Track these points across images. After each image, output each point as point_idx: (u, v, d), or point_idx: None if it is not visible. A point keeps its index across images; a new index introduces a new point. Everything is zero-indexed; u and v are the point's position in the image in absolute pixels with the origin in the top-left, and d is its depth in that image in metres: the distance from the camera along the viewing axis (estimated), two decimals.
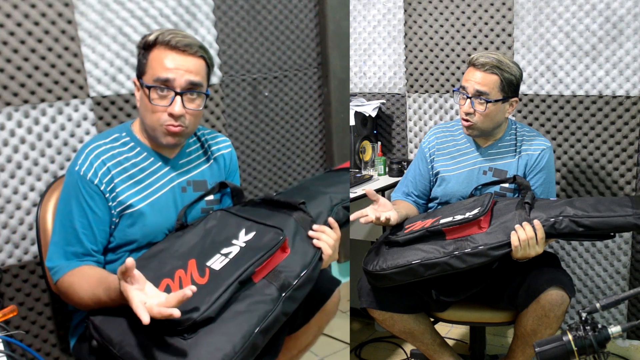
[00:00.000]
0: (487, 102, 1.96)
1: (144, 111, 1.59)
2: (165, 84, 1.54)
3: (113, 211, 1.59)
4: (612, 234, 1.77)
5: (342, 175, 1.91)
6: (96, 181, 1.56)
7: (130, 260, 1.27)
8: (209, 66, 1.62)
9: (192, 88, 1.56)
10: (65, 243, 1.56)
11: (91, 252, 1.57)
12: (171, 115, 1.55)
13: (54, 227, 1.61)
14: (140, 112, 1.63)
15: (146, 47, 1.57)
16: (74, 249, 1.56)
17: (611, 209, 1.73)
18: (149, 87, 1.55)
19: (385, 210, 1.89)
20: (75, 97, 1.97)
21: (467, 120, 2.02)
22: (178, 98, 1.55)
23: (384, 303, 1.94)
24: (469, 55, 2.61)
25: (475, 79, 1.97)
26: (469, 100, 1.99)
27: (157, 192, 1.65)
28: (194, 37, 1.62)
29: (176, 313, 1.23)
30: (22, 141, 1.88)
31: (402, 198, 2.22)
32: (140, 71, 1.59)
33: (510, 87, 1.98)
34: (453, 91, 2.09)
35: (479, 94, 1.97)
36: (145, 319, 1.22)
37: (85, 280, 1.50)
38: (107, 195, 1.58)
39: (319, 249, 1.56)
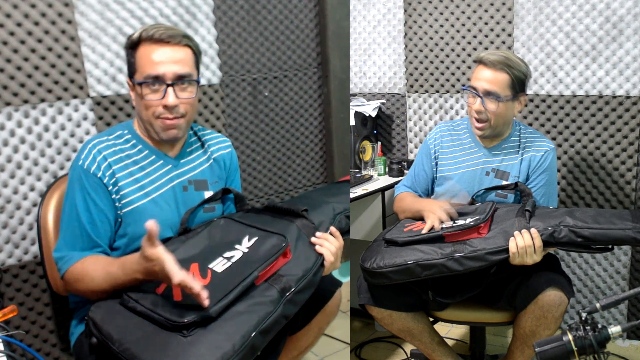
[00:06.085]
0: (499, 100, 1.96)
1: (140, 109, 1.63)
2: (156, 79, 1.57)
3: (117, 204, 1.60)
4: (610, 246, 1.77)
5: (344, 187, 1.94)
6: (99, 174, 1.58)
7: (151, 222, 1.32)
8: (196, 54, 1.65)
9: (181, 79, 1.59)
10: (73, 236, 1.57)
11: (99, 244, 1.58)
12: (165, 107, 1.59)
13: (61, 221, 1.61)
14: (136, 110, 1.65)
15: (132, 46, 1.61)
16: (82, 243, 1.57)
17: (611, 222, 1.74)
18: (140, 84, 1.58)
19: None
20: (75, 97, 1.97)
21: (479, 120, 2.02)
22: (170, 89, 1.58)
23: (382, 300, 1.94)
24: (469, 55, 2.62)
25: (486, 78, 1.97)
26: (479, 99, 1.98)
27: (158, 190, 1.66)
28: (177, 28, 1.65)
29: (204, 296, 1.30)
30: (22, 141, 1.88)
31: (408, 191, 2.23)
32: (131, 70, 1.63)
33: (520, 84, 1.99)
34: (462, 89, 2.08)
35: (489, 93, 1.97)
36: (179, 277, 1.30)
37: (99, 262, 1.53)
38: (110, 188, 1.59)
39: (320, 255, 1.57)
